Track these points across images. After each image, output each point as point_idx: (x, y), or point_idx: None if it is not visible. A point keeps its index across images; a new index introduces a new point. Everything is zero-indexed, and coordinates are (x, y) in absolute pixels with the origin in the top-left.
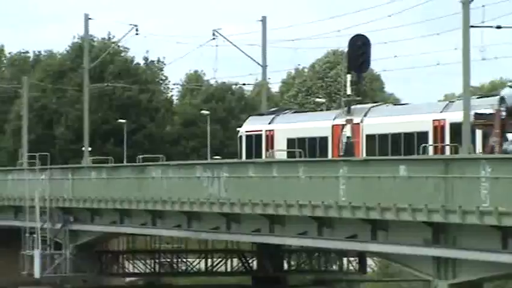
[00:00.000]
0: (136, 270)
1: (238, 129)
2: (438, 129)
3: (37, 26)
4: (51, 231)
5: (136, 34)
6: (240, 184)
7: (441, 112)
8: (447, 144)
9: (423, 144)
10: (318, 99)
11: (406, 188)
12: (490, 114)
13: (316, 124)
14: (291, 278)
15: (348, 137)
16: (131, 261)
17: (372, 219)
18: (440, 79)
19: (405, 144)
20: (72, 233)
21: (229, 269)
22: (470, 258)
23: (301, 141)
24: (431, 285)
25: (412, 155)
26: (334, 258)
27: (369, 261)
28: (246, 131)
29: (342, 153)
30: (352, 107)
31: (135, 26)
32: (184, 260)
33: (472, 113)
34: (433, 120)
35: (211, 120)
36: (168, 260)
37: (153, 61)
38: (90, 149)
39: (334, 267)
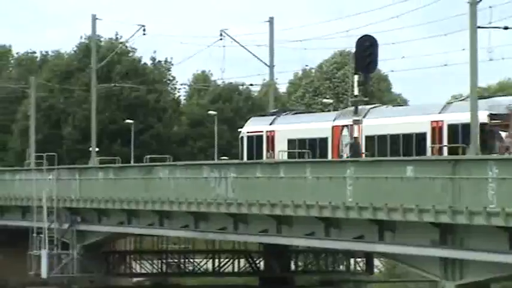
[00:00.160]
0: (143, 271)
1: (239, 130)
2: (436, 130)
3: (44, 27)
4: (59, 232)
5: (144, 34)
6: (247, 184)
7: (439, 113)
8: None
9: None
10: (325, 100)
11: (413, 188)
12: (506, 114)
13: (316, 125)
14: (298, 279)
15: (355, 138)
16: (138, 262)
17: (379, 220)
18: (447, 80)
19: (404, 145)
20: (79, 233)
21: (236, 270)
22: (478, 259)
23: (302, 142)
24: (438, 286)
25: (420, 156)
26: (341, 259)
27: (376, 262)
28: (248, 132)
29: (343, 154)
30: (351, 108)
31: (143, 26)
32: (192, 260)
33: (488, 113)
34: (431, 121)
35: (219, 121)
36: (175, 260)
37: (161, 61)
38: (97, 149)
39: (341, 267)
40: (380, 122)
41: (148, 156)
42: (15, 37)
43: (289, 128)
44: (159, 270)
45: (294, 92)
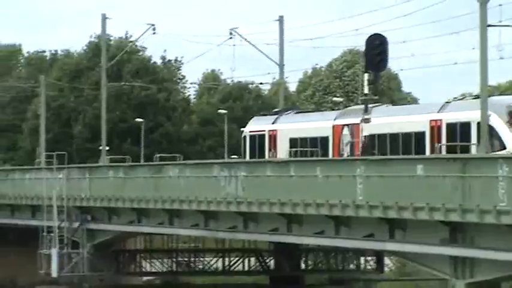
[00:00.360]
0: (153, 270)
1: (242, 129)
2: (435, 129)
3: (54, 26)
4: (69, 231)
5: (154, 33)
6: (257, 183)
7: (438, 112)
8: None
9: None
10: (335, 99)
11: (424, 187)
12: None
13: (317, 124)
14: (308, 278)
15: (365, 136)
16: (148, 261)
17: (389, 219)
18: (457, 78)
19: (403, 144)
20: (89, 232)
21: (246, 268)
22: (488, 257)
23: (303, 141)
24: (448, 284)
25: (430, 155)
26: (351, 258)
27: (386, 261)
28: (250, 131)
29: (343, 152)
30: (353, 107)
31: (153, 25)
32: (202, 259)
33: (507, 111)
34: (430, 120)
35: (229, 119)
36: (186, 259)
37: (171, 60)
38: (107, 148)
39: (351, 266)
40: (380, 121)
41: (158, 155)
42: (25, 36)
43: (290, 127)
44: (169, 269)
45: (304, 90)
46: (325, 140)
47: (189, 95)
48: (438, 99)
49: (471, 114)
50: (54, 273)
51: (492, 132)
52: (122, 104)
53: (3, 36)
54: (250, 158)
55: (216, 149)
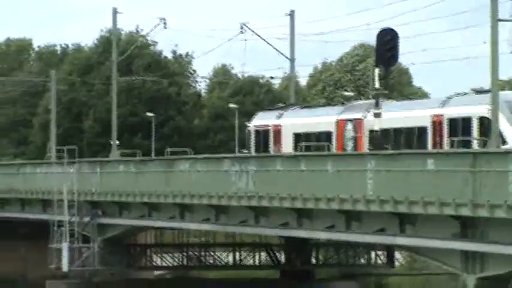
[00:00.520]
0: (164, 264)
1: (246, 124)
2: (437, 124)
3: (65, 20)
4: (79, 225)
5: (165, 28)
6: (268, 178)
7: (439, 108)
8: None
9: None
10: (346, 93)
11: (434, 181)
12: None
13: (320, 119)
14: (318, 272)
15: (376, 131)
16: (159, 255)
17: (400, 213)
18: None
19: (406, 139)
20: (100, 227)
21: (257, 263)
22: (498, 252)
23: (307, 136)
24: (459, 279)
25: (441, 149)
26: (362, 252)
27: (397, 255)
28: (255, 126)
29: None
30: (356, 102)
31: (163, 19)
32: (212, 253)
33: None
34: (432, 115)
35: (239, 114)
36: (196, 253)
37: (182, 55)
38: (118, 142)
39: (362, 260)
40: (383, 116)
41: (169, 149)
42: (35, 30)
43: (295, 122)
44: (180, 263)
45: (315, 85)
46: (328, 135)
47: (200, 89)
48: (448, 94)
49: (472, 109)
50: (64, 268)
51: None
52: (132, 98)
53: (13, 31)
54: (255, 153)
55: (226, 144)
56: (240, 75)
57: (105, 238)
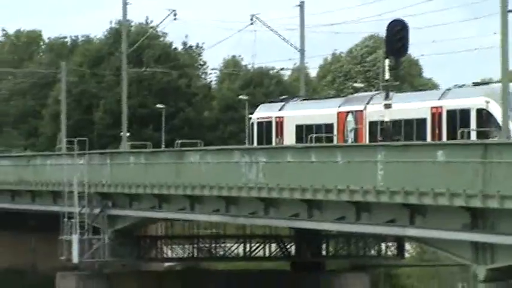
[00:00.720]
0: (174, 255)
1: (250, 115)
2: (436, 116)
3: (75, 11)
4: (90, 216)
5: (175, 19)
6: (278, 169)
7: (439, 99)
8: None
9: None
10: (356, 84)
11: (444, 173)
12: None
13: (322, 111)
14: (328, 263)
15: (386, 122)
16: (169, 246)
17: (410, 204)
18: (480, 64)
19: (405, 131)
20: (110, 218)
21: (267, 254)
22: (509, 243)
23: (309, 127)
24: (469, 270)
25: (451, 140)
26: (372, 243)
27: (407, 246)
28: (258, 118)
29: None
30: (356, 94)
31: (174, 11)
32: (223, 245)
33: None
34: (431, 107)
35: (250, 105)
36: (207, 245)
37: (192, 46)
38: (128, 134)
39: (372, 252)
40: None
41: (179, 141)
42: (45, 22)
43: (297, 114)
44: (190, 254)
45: (324, 76)
46: (330, 126)
47: (210, 81)
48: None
49: (470, 101)
50: (75, 259)
51: (490, 119)
52: (142, 90)
53: (23, 22)
54: (258, 144)
55: (237, 135)
56: (250, 67)
57: (116, 230)
